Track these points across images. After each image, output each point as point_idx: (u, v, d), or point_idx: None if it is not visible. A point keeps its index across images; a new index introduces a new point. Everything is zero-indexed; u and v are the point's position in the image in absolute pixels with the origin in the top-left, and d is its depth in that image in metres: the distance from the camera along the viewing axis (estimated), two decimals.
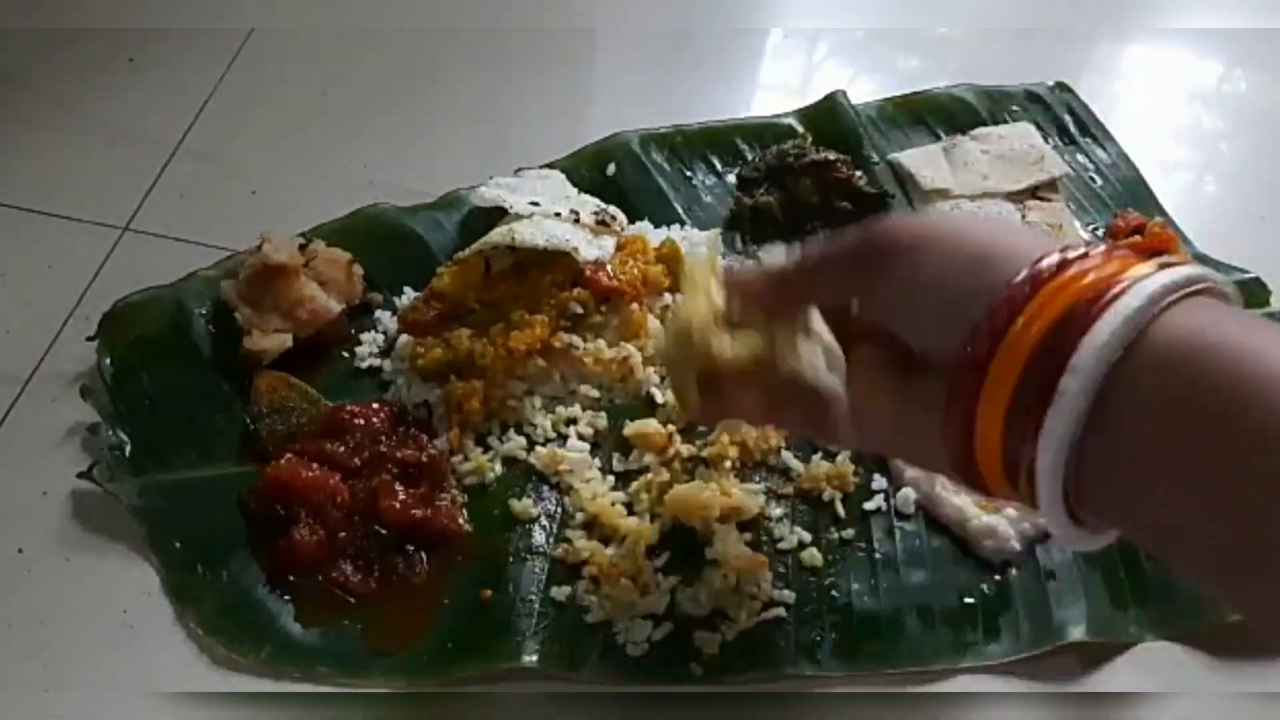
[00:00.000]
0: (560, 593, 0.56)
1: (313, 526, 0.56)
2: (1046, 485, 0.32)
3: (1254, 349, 0.29)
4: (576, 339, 0.62)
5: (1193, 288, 0.31)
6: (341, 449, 0.59)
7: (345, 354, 0.65)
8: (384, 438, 0.60)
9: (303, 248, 0.65)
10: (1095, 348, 0.30)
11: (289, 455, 0.58)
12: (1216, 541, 0.29)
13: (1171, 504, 0.30)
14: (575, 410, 0.62)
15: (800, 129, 0.79)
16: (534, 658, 0.53)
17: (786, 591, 0.56)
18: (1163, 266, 0.32)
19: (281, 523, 0.56)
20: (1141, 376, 0.30)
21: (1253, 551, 0.28)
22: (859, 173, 0.74)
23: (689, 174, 0.76)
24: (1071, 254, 0.33)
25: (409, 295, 0.67)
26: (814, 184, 0.73)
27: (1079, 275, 0.32)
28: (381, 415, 0.60)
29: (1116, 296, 0.31)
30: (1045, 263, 0.33)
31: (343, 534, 0.56)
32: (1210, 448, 0.29)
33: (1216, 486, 0.29)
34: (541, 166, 0.74)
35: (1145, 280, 0.31)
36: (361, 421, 0.60)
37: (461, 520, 0.58)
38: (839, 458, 0.61)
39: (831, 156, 0.74)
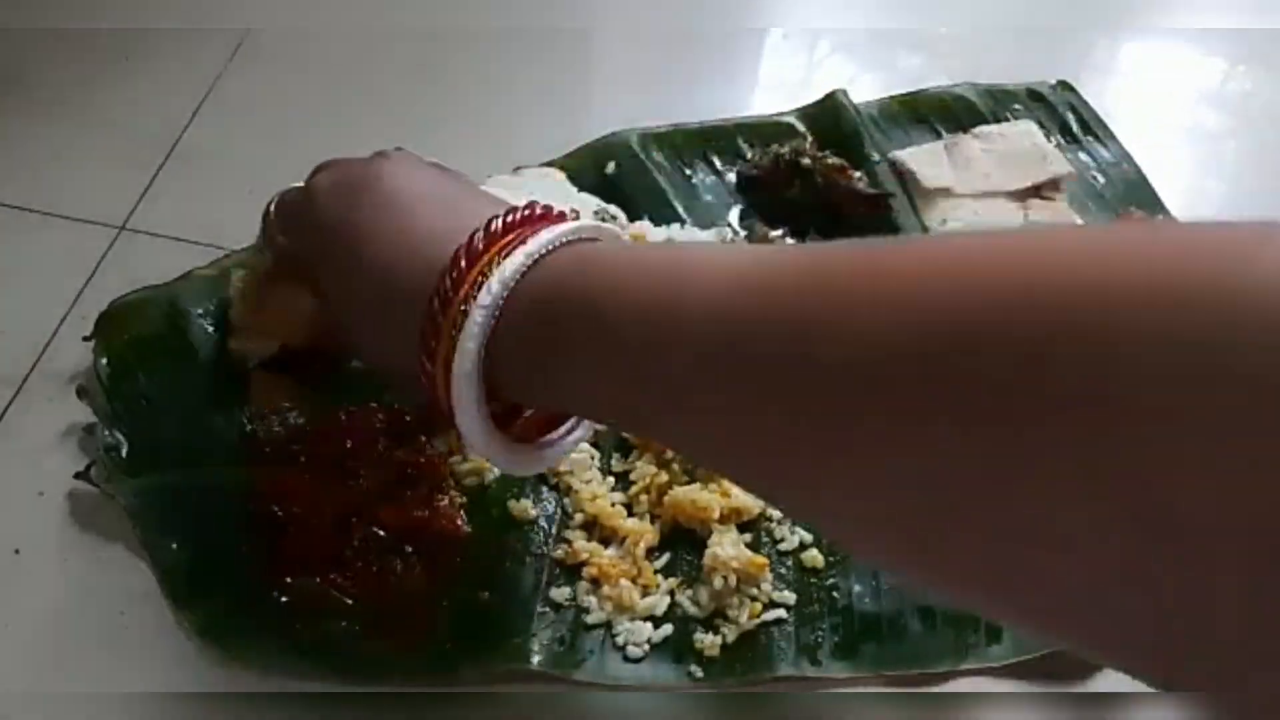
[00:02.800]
0: (560, 593, 0.55)
1: (312, 529, 0.55)
2: (460, 391, 0.39)
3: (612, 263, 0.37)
4: None
5: (569, 236, 0.39)
6: (339, 450, 0.59)
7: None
8: (381, 439, 0.59)
9: None
10: (499, 278, 0.38)
11: (286, 457, 0.58)
12: (619, 402, 0.37)
13: (569, 382, 0.38)
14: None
15: (801, 128, 0.78)
16: (534, 658, 0.53)
17: (787, 592, 0.56)
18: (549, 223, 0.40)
19: (280, 524, 0.56)
20: (532, 293, 0.38)
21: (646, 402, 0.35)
22: (859, 173, 0.74)
23: (689, 173, 0.76)
24: (498, 224, 0.40)
25: None
26: (813, 184, 0.73)
27: (495, 244, 0.39)
28: (379, 416, 0.60)
29: (523, 243, 0.39)
30: (494, 224, 0.40)
31: (342, 536, 0.56)
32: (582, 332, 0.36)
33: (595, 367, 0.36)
34: (541, 166, 0.74)
35: (547, 231, 0.39)
36: (360, 422, 0.60)
37: (460, 521, 0.58)
38: None
39: (831, 159, 0.74)
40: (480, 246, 0.39)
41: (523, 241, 0.38)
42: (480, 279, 0.38)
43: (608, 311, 0.35)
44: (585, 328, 0.35)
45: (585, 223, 0.40)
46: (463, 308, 0.38)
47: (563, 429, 0.45)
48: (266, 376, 0.61)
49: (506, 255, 0.38)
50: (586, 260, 0.38)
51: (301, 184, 0.51)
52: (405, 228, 0.42)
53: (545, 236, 0.38)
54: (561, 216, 0.41)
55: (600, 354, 0.35)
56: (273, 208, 0.53)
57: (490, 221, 0.39)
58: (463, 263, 0.38)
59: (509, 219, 0.40)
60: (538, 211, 0.41)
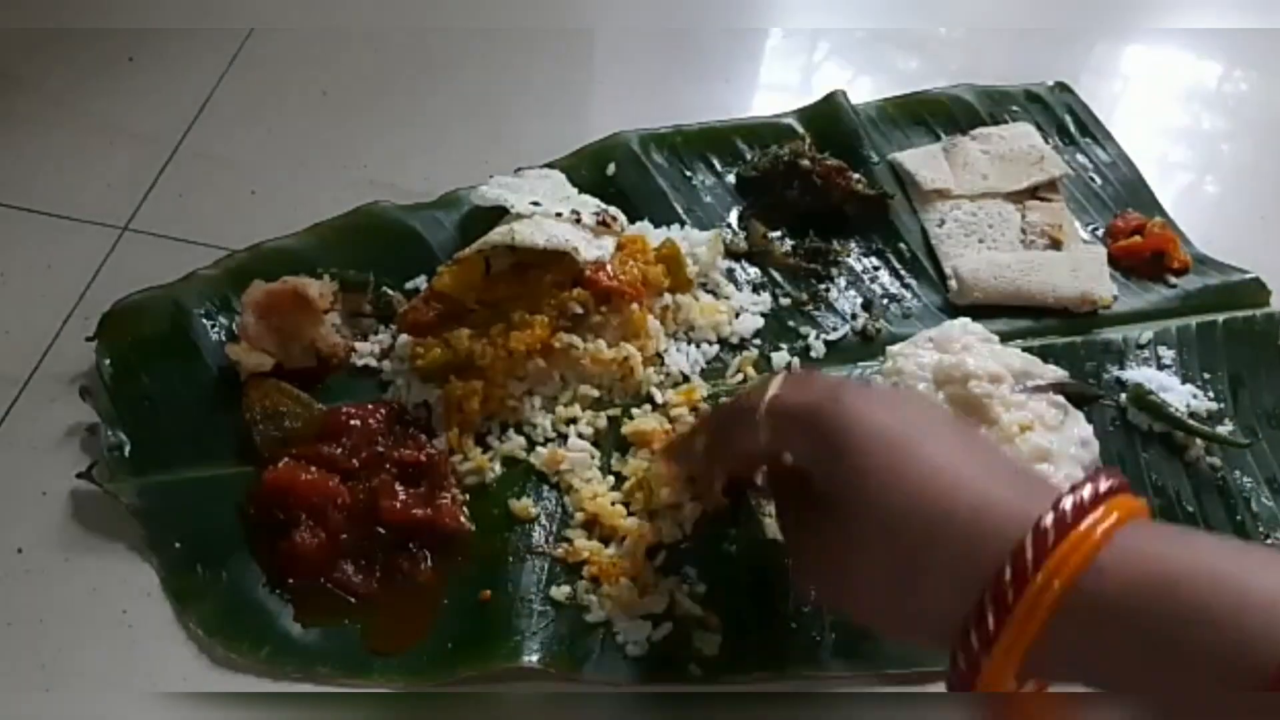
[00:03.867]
0: (560, 593, 0.56)
1: (313, 529, 0.56)
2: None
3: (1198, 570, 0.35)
4: (576, 339, 0.62)
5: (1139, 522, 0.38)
6: (339, 450, 0.59)
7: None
8: (381, 438, 0.60)
9: (350, 288, 0.66)
10: (1095, 577, 0.36)
11: (286, 459, 0.58)
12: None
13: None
14: (575, 410, 0.62)
15: (800, 129, 0.79)
16: (534, 658, 0.53)
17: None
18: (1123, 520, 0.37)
19: (281, 525, 0.56)
20: (1111, 606, 0.35)
21: None
22: (857, 174, 0.74)
23: (689, 174, 0.76)
24: (1069, 508, 0.37)
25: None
26: (812, 185, 0.73)
27: (1073, 537, 0.36)
28: (379, 415, 0.60)
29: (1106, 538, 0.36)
30: (1048, 525, 0.37)
31: (344, 535, 0.56)
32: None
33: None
34: (541, 166, 0.74)
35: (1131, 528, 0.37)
36: (359, 422, 0.60)
37: (463, 519, 0.58)
38: None
39: (830, 160, 0.74)
40: (1053, 532, 0.37)
41: (1105, 535, 0.36)
42: (1060, 569, 0.36)
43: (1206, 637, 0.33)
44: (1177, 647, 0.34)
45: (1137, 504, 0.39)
46: (1046, 596, 0.36)
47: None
48: (261, 382, 0.61)
49: (1090, 547, 0.36)
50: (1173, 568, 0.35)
51: (805, 387, 0.46)
52: (956, 494, 0.39)
53: (1131, 538, 0.37)
54: (1124, 488, 0.39)
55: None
56: (767, 403, 0.46)
57: (1059, 501, 0.38)
58: (1030, 550, 0.36)
59: (1079, 500, 0.38)
60: (1100, 488, 0.38)
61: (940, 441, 0.41)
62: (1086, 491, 0.38)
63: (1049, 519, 0.37)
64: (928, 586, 0.39)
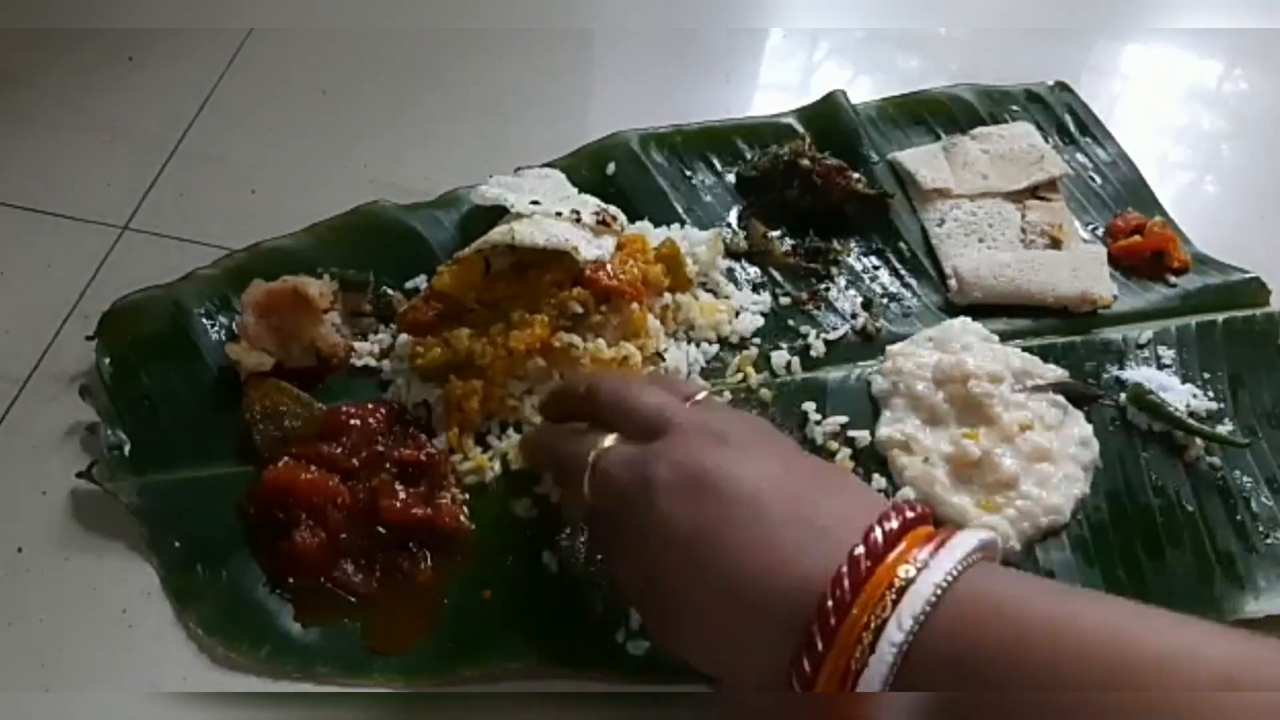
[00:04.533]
0: (560, 591, 0.56)
1: (314, 529, 0.56)
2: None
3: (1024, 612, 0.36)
4: (576, 339, 0.62)
5: (965, 557, 0.38)
6: (339, 450, 0.59)
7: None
8: (381, 437, 0.60)
9: (350, 288, 0.66)
10: (908, 611, 0.36)
11: (286, 459, 0.58)
12: None
13: None
14: None
15: (800, 129, 0.79)
16: (534, 657, 0.53)
17: None
18: (941, 544, 0.38)
19: (281, 525, 0.56)
20: (935, 646, 0.36)
21: None
22: (857, 174, 0.74)
23: (689, 174, 0.76)
24: (873, 547, 0.38)
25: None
26: (812, 184, 0.73)
27: (874, 581, 0.37)
28: (379, 415, 0.60)
29: (901, 597, 0.37)
30: (873, 538, 0.38)
31: (343, 535, 0.56)
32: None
33: None
34: (541, 166, 0.74)
35: (923, 573, 0.37)
36: (358, 422, 0.60)
37: (463, 519, 0.58)
38: (836, 456, 0.61)
39: (830, 160, 0.74)
40: (866, 566, 0.38)
41: (921, 566, 0.37)
42: (878, 606, 0.36)
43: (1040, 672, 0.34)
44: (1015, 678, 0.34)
45: (969, 536, 0.39)
46: (865, 636, 0.36)
47: None
48: (261, 382, 0.61)
49: (905, 582, 0.37)
50: (1001, 604, 0.36)
51: (621, 446, 0.47)
52: (762, 538, 0.40)
53: (945, 564, 0.37)
54: (927, 517, 0.40)
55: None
56: (591, 467, 0.47)
57: (868, 533, 0.38)
58: (846, 585, 0.37)
59: (887, 528, 0.39)
60: (907, 515, 0.40)
61: (754, 475, 0.43)
62: (883, 528, 0.39)
63: (845, 568, 0.38)
64: (746, 644, 0.40)
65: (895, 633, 0.36)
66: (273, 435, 0.59)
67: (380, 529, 0.57)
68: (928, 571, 0.37)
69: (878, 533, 0.38)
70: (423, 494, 0.58)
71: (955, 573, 0.37)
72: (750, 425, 0.48)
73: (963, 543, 0.38)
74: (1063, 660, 0.34)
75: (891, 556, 0.38)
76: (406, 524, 0.57)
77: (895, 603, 0.36)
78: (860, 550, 0.38)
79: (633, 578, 0.46)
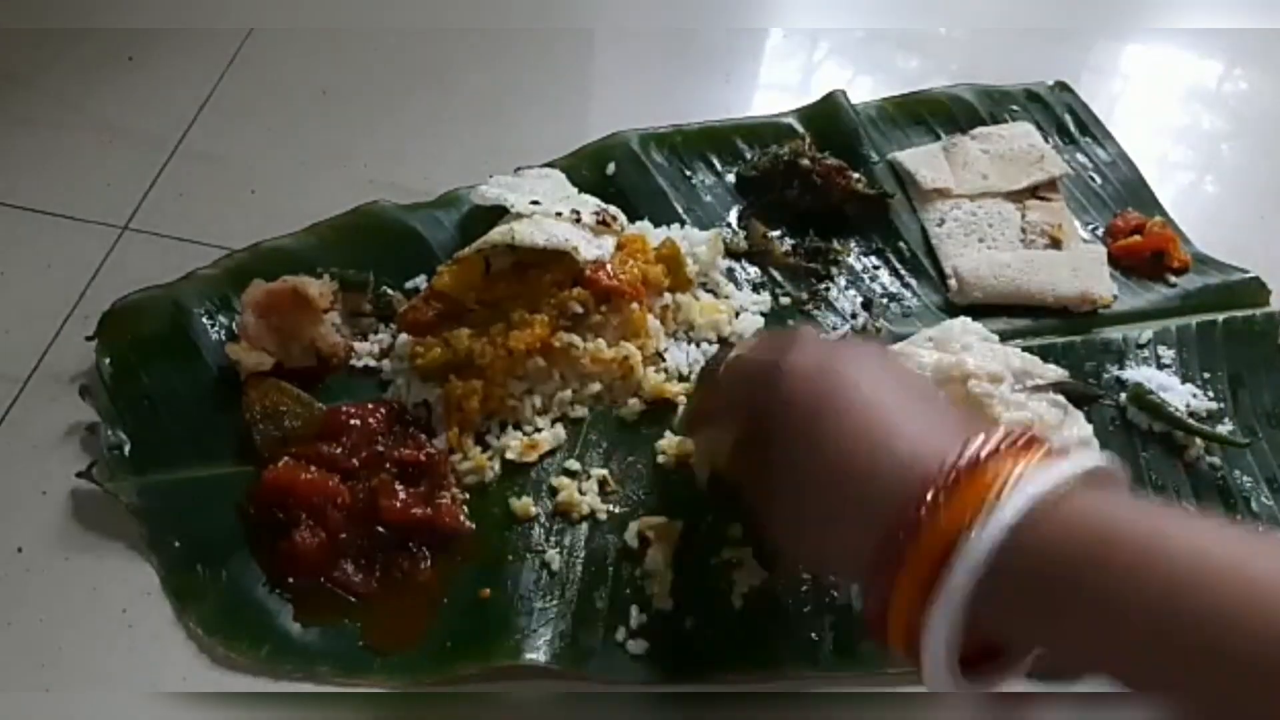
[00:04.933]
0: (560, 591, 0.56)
1: (314, 529, 0.56)
2: (931, 658, 0.36)
3: (1147, 528, 0.34)
4: (576, 339, 0.62)
5: (1080, 473, 0.36)
6: (339, 450, 0.59)
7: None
8: (381, 437, 0.60)
9: (350, 288, 0.66)
10: (980, 539, 0.34)
11: (286, 459, 0.58)
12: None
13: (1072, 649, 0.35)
14: (575, 410, 0.62)
15: (800, 129, 0.79)
16: (534, 656, 0.53)
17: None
18: (1051, 454, 0.37)
19: (281, 525, 0.56)
20: (1042, 538, 0.34)
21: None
22: (857, 174, 0.74)
23: (689, 174, 0.76)
24: (985, 450, 0.36)
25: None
26: (812, 184, 0.73)
27: (985, 474, 0.36)
28: (379, 415, 0.60)
29: (1000, 499, 0.35)
30: (964, 460, 0.36)
31: (343, 535, 0.56)
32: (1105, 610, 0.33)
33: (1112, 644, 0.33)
34: (541, 166, 0.74)
35: (1040, 473, 0.35)
36: (358, 422, 0.60)
37: (463, 519, 0.58)
38: None
39: (830, 160, 0.74)
40: (969, 469, 0.36)
41: (1026, 476, 0.35)
42: (974, 510, 0.35)
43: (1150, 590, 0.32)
44: (1127, 608, 0.32)
45: (1087, 462, 0.37)
46: (958, 537, 0.35)
47: (998, 665, 0.40)
48: (261, 382, 0.61)
49: (1008, 487, 0.35)
50: (1127, 526, 0.34)
51: (753, 350, 0.48)
52: (880, 428, 0.40)
53: (1056, 474, 0.35)
54: (1039, 442, 0.38)
55: (1130, 628, 0.32)
56: (723, 366, 0.49)
57: (989, 434, 0.37)
58: (944, 485, 0.36)
59: (1006, 435, 0.37)
60: (1020, 440, 0.37)
61: (874, 379, 0.42)
62: (999, 437, 0.37)
63: (964, 459, 0.36)
64: (847, 520, 0.39)
65: (989, 533, 0.34)
66: (273, 435, 0.59)
67: (380, 529, 0.57)
68: (1038, 475, 0.35)
69: (997, 436, 0.37)
70: (423, 494, 0.58)
71: (1071, 480, 0.35)
72: (873, 348, 0.49)
73: (1078, 460, 0.37)
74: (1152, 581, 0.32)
75: (1005, 459, 0.36)
76: (406, 524, 0.57)
77: (998, 498, 0.35)
78: (978, 444, 0.36)
79: (752, 462, 0.45)
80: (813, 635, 0.55)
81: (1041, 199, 0.75)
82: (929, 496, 0.36)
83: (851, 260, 0.72)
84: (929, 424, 0.39)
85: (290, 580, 0.55)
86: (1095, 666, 0.34)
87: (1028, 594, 0.35)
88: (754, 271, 0.71)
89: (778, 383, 0.43)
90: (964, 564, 0.34)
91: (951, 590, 0.35)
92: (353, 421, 0.60)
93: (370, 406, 0.61)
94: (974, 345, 0.64)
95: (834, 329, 0.68)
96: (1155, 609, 0.32)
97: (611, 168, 0.74)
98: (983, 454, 0.36)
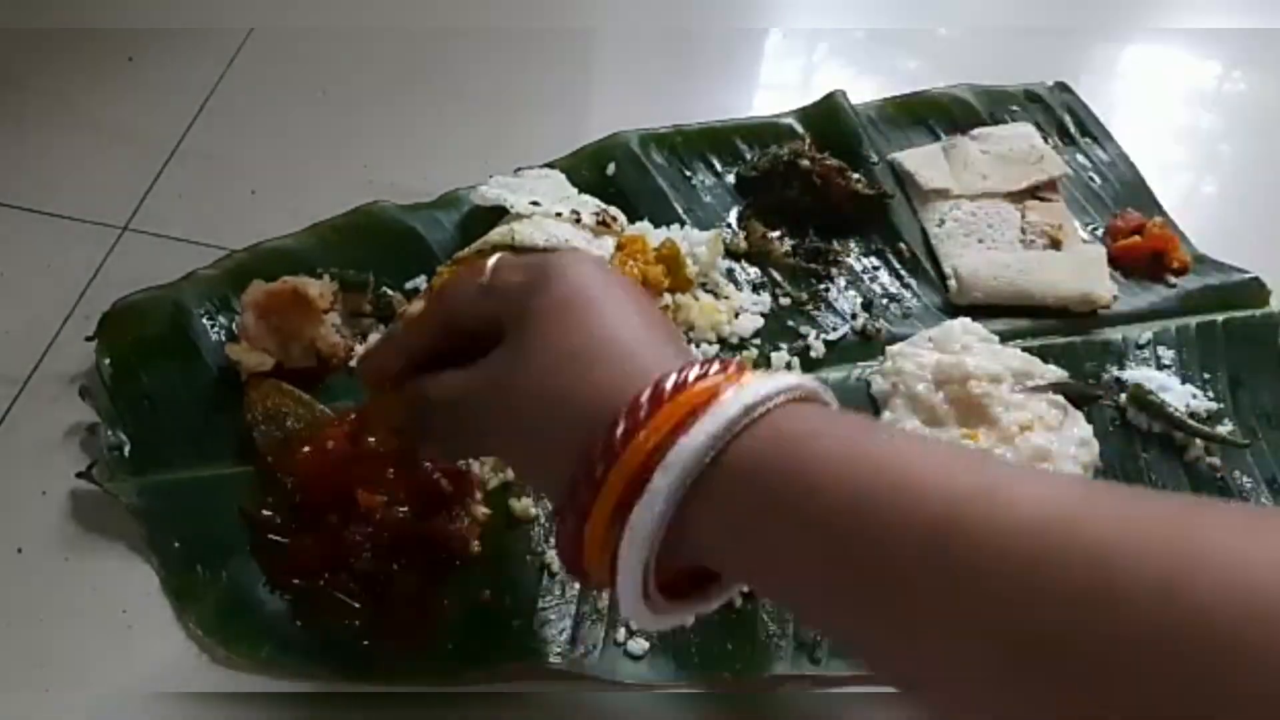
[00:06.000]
0: (561, 592, 0.56)
1: (318, 536, 0.55)
2: (627, 574, 0.35)
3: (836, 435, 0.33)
4: None
5: (791, 395, 0.35)
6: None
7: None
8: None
9: (350, 288, 0.66)
10: (686, 448, 0.33)
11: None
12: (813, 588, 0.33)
13: (769, 569, 0.34)
14: None
15: (800, 129, 0.79)
16: (534, 657, 0.53)
17: None
18: (763, 378, 0.35)
19: (282, 528, 0.56)
20: (741, 457, 0.33)
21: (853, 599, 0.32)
22: (857, 174, 0.74)
23: (689, 174, 0.76)
24: (691, 373, 0.35)
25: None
26: (812, 185, 0.73)
27: (689, 395, 0.34)
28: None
29: (703, 414, 0.34)
30: (668, 384, 0.35)
31: (344, 541, 0.55)
32: (798, 520, 0.32)
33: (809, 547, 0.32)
34: (541, 166, 0.74)
35: (744, 389, 0.34)
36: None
37: (474, 543, 0.56)
38: None
39: (830, 160, 0.74)
40: (675, 390, 0.35)
41: (727, 396, 0.34)
42: (674, 428, 0.34)
43: (844, 498, 0.31)
44: (822, 502, 0.32)
45: (791, 380, 0.36)
46: (654, 455, 0.34)
47: (709, 593, 0.39)
48: (263, 383, 0.61)
49: (710, 406, 0.34)
50: (826, 427, 0.34)
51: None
52: (588, 332, 0.39)
53: (755, 391, 0.34)
54: (741, 367, 0.36)
55: (820, 544, 0.32)
56: (493, 265, 0.45)
57: (696, 367, 0.36)
58: (649, 404, 0.34)
59: (713, 366, 0.36)
60: (730, 368, 0.36)
61: (622, 311, 0.40)
62: (704, 367, 0.36)
63: (668, 383, 0.35)
64: (556, 445, 0.37)
65: (683, 452, 0.33)
66: (274, 437, 0.59)
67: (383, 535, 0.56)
68: (740, 393, 0.34)
69: (711, 365, 0.36)
70: (442, 522, 0.57)
71: (771, 401, 0.34)
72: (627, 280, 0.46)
73: (786, 379, 0.36)
74: (851, 491, 0.31)
75: (710, 381, 0.35)
76: (413, 541, 0.56)
77: (693, 421, 0.34)
78: (687, 371, 0.35)
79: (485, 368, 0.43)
80: (813, 635, 0.55)
81: (1041, 199, 0.75)
82: (631, 415, 0.34)
83: (851, 261, 0.72)
84: (654, 359, 0.38)
85: (292, 583, 0.55)
86: (790, 592, 0.34)
87: (723, 508, 0.34)
88: (754, 272, 0.71)
89: (539, 288, 0.40)
90: (660, 478, 0.33)
91: (648, 504, 0.33)
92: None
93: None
94: (974, 346, 0.64)
95: (834, 329, 0.68)
96: (839, 522, 0.31)
97: (611, 168, 0.74)
98: (690, 377, 0.35)
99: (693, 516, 0.34)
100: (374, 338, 0.65)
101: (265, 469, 0.58)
